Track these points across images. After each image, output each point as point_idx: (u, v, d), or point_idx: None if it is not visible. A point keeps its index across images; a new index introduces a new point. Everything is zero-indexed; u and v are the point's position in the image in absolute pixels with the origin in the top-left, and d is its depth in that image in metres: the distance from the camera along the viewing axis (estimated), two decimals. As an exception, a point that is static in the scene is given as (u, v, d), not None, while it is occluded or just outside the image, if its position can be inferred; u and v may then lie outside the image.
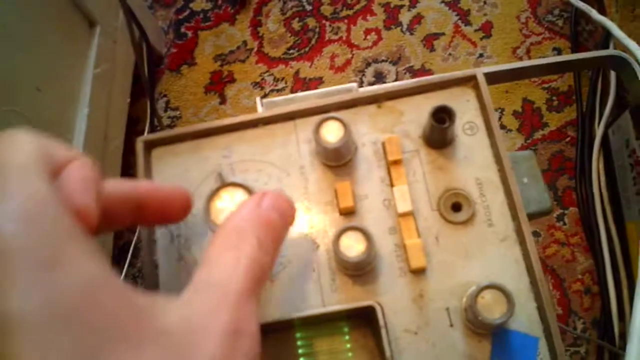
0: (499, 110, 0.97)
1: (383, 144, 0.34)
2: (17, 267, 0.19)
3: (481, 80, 0.35)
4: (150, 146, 0.36)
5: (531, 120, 0.96)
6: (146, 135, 0.37)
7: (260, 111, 0.36)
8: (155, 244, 0.34)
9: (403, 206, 0.32)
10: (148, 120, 0.95)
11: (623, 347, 0.72)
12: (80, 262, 0.20)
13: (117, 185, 0.27)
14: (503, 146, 0.33)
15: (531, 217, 0.36)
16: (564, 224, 0.91)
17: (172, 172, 0.36)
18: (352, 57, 1.04)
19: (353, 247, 0.30)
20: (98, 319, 0.19)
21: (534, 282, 0.31)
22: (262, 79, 1.05)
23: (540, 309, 0.30)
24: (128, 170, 0.93)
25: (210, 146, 0.36)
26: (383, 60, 1.03)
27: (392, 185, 0.33)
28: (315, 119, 0.33)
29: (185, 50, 1.07)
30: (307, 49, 1.05)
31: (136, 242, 0.90)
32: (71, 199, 0.23)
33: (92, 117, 0.79)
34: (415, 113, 0.35)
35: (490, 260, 0.32)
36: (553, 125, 0.96)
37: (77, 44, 0.79)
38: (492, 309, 0.28)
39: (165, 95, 1.05)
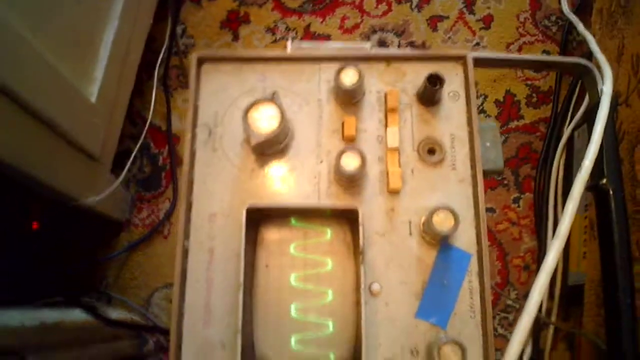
0: (483, 96, 1.07)
1: (385, 94, 0.44)
2: None
3: (469, 61, 0.45)
4: (201, 61, 0.45)
5: (509, 111, 1.07)
6: (200, 52, 0.46)
7: (290, 50, 0.45)
8: (196, 138, 0.43)
9: (392, 142, 0.42)
10: (166, 41, 1.04)
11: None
12: None
13: None
14: (475, 114, 0.44)
15: (486, 173, 0.47)
16: (519, 206, 1.03)
17: (216, 85, 0.45)
18: (361, 22, 1.12)
19: (351, 163, 0.40)
20: None
21: (477, 214, 0.41)
22: (275, 25, 1.12)
23: (478, 235, 0.41)
24: (140, 78, 1.02)
25: (249, 70, 0.45)
26: (389, 31, 1.12)
27: (386, 126, 0.43)
28: (336, 65, 0.43)
29: (209, -16, 1.14)
30: (321, 5, 1.13)
31: (135, 154, 0.99)
32: None
33: (119, 30, 0.87)
34: (415, 76, 0.45)
35: (448, 194, 0.42)
36: (528, 119, 1.07)
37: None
38: (443, 224, 0.39)
39: (183, 23, 1.13)
